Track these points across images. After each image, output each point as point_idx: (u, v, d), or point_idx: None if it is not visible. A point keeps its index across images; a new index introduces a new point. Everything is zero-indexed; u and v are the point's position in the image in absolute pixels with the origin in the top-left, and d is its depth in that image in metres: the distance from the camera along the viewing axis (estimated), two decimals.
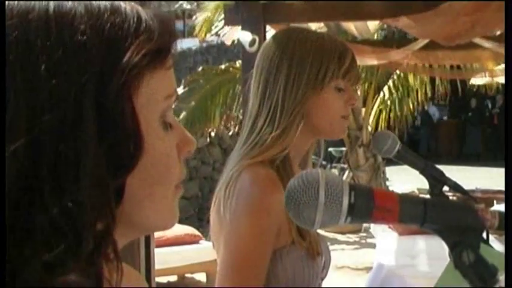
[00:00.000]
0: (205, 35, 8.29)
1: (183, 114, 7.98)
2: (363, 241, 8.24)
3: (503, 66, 5.96)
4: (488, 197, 6.47)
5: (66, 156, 0.56)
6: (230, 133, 9.55)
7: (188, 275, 6.42)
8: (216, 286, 1.34)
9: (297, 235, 1.35)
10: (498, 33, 4.56)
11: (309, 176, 0.75)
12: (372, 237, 7.17)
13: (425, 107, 16.61)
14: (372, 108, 9.18)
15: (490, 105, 17.23)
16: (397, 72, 8.40)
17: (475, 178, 9.43)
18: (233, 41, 5.86)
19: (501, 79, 6.94)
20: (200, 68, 9.40)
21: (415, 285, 1.19)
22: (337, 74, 1.43)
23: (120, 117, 0.59)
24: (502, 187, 1.07)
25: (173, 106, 0.67)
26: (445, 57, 5.88)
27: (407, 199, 0.78)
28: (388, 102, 9.05)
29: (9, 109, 0.56)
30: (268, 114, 1.42)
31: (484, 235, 0.80)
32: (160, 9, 0.65)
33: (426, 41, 5.09)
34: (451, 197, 2.25)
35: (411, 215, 0.77)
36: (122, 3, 0.62)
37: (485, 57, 5.86)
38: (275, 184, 1.34)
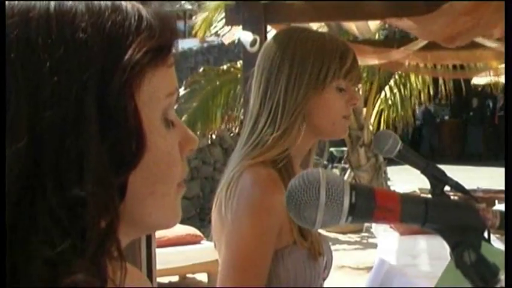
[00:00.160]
0: (204, 34, 8.29)
1: (184, 116, 7.98)
2: (364, 241, 8.24)
3: None
4: (489, 197, 6.48)
5: (69, 154, 0.56)
6: (231, 134, 9.55)
7: (189, 275, 6.43)
8: (217, 286, 1.35)
9: (298, 235, 1.35)
10: (498, 37, 4.55)
11: (309, 175, 0.75)
12: (374, 237, 7.17)
13: (428, 107, 16.64)
14: (373, 108, 9.18)
15: (491, 105, 17.21)
16: (399, 71, 8.40)
17: (477, 178, 9.42)
18: (233, 41, 5.86)
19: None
20: (201, 69, 9.40)
21: (417, 285, 1.19)
22: (339, 74, 1.42)
23: (122, 114, 0.59)
24: (504, 187, 1.07)
25: (175, 107, 0.67)
26: (447, 56, 5.88)
27: (408, 199, 0.78)
28: (390, 102, 9.05)
29: (11, 108, 0.56)
30: (269, 114, 1.42)
31: (486, 235, 0.80)
32: (162, 8, 0.65)
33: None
34: (452, 197, 2.25)
35: (412, 214, 0.77)
36: (122, 2, 0.62)
37: (489, 56, 5.85)
38: (276, 184, 1.34)
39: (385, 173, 9.46)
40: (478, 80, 8.72)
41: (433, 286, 1.24)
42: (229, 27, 5.14)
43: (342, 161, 10.82)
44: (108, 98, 0.58)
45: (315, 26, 5.00)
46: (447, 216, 0.78)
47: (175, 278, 6.39)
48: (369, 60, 5.61)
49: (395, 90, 9.01)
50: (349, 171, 9.13)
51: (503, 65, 6.47)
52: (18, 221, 0.55)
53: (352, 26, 5.53)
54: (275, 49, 1.44)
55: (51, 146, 0.56)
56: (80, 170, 0.56)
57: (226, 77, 8.50)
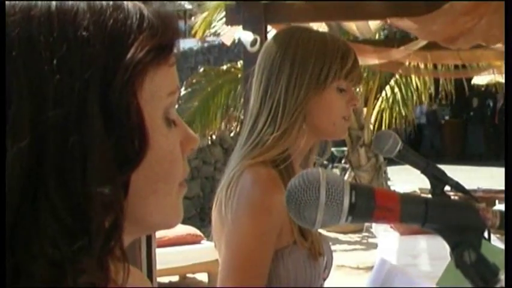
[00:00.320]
0: (203, 34, 8.28)
1: (184, 116, 7.98)
2: (365, 241, 8.23)
3: None
4: (490, 197, 6.47)
5: (72, 152, 0.56)
6: (232, 133, 9.55)
7: (190, 275, 6.43)
8: (217, 286, 1.34)
9: (298, 235, 1.35)
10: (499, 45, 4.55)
11: (309, 175, 0.75)
12: (374, 237, 7.17)
13: (433, 107, 16.64)
14: (374, 108, 9.18)
15: (491, 105, 17.21)
16: (400, 71, 8.40)
17: (477, 178, 9.42)
18: (233, 41, 5.85)
19: None
20: (201, 69, 9.40)
21: (418, 284, 1.19)
22: (340, 75, 1.42)
23: (125, 113, 0.59)
24: (504, 187, 1.07)
25: (175, 106, 0.67)
26: (448, 56, 5.87)
27: (408, 199, 0.78)
28: (390, 102, 9.04)
29: (12, 106, 0.55)
30: (269, 114, 1.42)
31: (486, 235, 0.80)
32: (163, 7, 0.65)
33: None
34: (452, 197, 2.25)
35: (412, 214, 0.77)
36: (124, 1, 0.62)
37: (490, 56, 5.84)
38: (276, 184, 1.34)
39: (386, 173, 9.46)
40: (479, 80, 8.72)
41: (433, 286, 1.24)
42: (229, 26, 5.13)
43: (342, 161, 10.82)
44: (110, 96, 0.58)
45: (315, 26, 4.99)
46: (447, 216, 0.78)
47: (175, 278, 6.39)
48: (369, 60, 5.61)
49: (396, 90, 9.01)
50: (349, 171, 9.13)
51: None
52: (21, 221, 0.55)
53: (353, 26, 5.53)
54: (276, 48, 1.44)
55: (54, 144, 0.56)
56: (83, 168, 0.56)
57: (226, 77, 8.50)
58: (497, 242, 2.89)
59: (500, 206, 5.76)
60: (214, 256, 1.30)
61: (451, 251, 0.77)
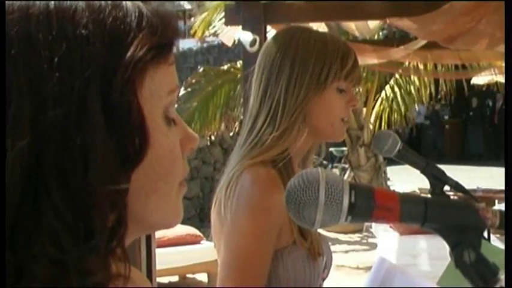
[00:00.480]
0: (203, 34, 8.28)
1: (184, 115, 7.98)
2: (364, 241, 8.24)
3: None
4: (489, 197, 6.48)
5: (74, 151, 0.56)
6: (231, 133, 9.56)
7: (189, 275, 6.43)
8: (217, 286, 1.34)
9: (298, 235, 1.35)
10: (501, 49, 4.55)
11: (309, 175, 0.75)
12: (374, 237, 7.17)
13: (436, 107, 16.65)
14: (373, 108, 9.18)
15: (491, 105, 17.21)
16: (399, 70, 8.40)
17: (477, 178, 9.42)
18: (233, 41, 5.85)
19: None
20: (201, 69, 9.39)
21: (418, 283, 1.19)
22: (340, 75, 1.42)
23: (126, 111, 0.59)
24: (504, 187, 1.06)
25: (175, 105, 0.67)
26: (448, 56, 5.87)
27: (408, 198, 0.78)
28: (390, 102, 9.05)
29: (12, 106, 0.55)
30: (269, 113, 1.41)
31: (485, 235, 0.80)
32: (163, 6, 0.65)
33: None
34: (452, 197, 2.25)
35: (412, 214, 0.77)
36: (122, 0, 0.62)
37: (490, 56, 5.84)
38: (276, 184, 1.34)
39: (385, 173, 9.46)
40: (478, 80, 8.71)
41: (433, 285, 1.24)
42: (229, 27, 5.13)
43: (342, 161, 10.82)
44: (111, 94, 0.58)
45: (314, 25, 4.99)
46: (447, 216, 0.78)
47: (175, 278, 6.39)
48: (368, 59, 5.61)
49: (396, 90, 9.01)
50: (349, 171, 9.13)
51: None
52: (21, 221, 0.55)
53: (352, 26, 5.53)
54: (276, 48, 1.44)
55: (55, 143, 0.55)
56: (85, 167, 0.56)
57: (226, 77, 8.50)
58: (497, 241, 2.89)
59: (499, 206, 5.77)
60: (214, 256, 1.31)
61: (450, 250, 0.77)
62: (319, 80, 1.41)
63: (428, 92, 8.87)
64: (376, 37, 7.67)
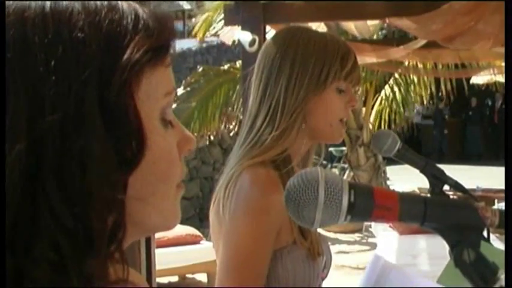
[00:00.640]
0: (204, 35, 8.28)
1: (183, 115, 7.98)
2: (364, 241, 8.24)
3: None
4: (489, 196, 6.48)
5: (72, 154, 0.56)
6: (231, 133, 9.56)
7: (189, 275, 6.43)
8: (216, 287, 1.34)
9: (298, 235, 1.35)
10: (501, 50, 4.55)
11: (308, 175, 0.75)
12: (373, 236, 7.17)
13: (439, 106, 16.65)
14: (373, 108, 9.18)
15: (490, 104, 17.22)
16: (399, 70, 8.40)
17: (476, 177, 9.42)
18: (233, 41, 5.85)
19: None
20: (200, 68, 9.39)
21: (413, 279, 1.19)
22: (339, 75, 1.42)
23: (123, 114, 0.59)
24: (503, 186, 1.06)
25: (173, 107, 0.67)
26: (448, 55, 5.87)
27: (407, 198, 0.78)
28: (390, 101, 9.05)
29: (9, 109, 0.55)
30: (268, 113, 1.41)
31: (485, 234, 0.80)
32: (160, 8, 0.65)
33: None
34: (451, 196, 2.25)
35: (411, 213, 0.77)
36: (118, 1, 0.61)
37: (490, 56, 5.85)
38: (275, 184, 1.33)
39: (385, 172, 9.46)
40: (477, 79, 8.71)
41: (430, 283, 1.24)
42: (229, 27, 5.13)
43: (341, 161, 10.82)
44: (108, 97, 0.58)
45: (313, 25, 5.00)
46: (446, 215, 0.78)
47: (175, 278, 6.39)
48: (367, 59, 5.61)
49: (396, 89, 9.01)
50: (348, 170, 9.14)
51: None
52: (21, 224, 0.54)
53: (351, 26, 5.53)
54: (276, 48, 1.44)
55: (53, 146, 0.55)
56: (83, 170, 0.56)
57: (225, 77, 8.49)
58: (496, 241, 2.89)
59: (499, 205, 5.77)
60: (213, 256, 1.30)
61: (450, 250, 0.77)
62: (319, 80, 1.41)
63: (428, 91, 8.86)
64: (375, 37, 7.67)
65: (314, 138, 1.47)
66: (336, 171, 9.66)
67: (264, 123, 1.41)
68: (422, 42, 5.15)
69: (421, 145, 16.55)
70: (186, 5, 18.79)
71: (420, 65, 7.05)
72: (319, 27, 5.15)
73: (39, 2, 0.58)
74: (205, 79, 8.66)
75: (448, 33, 4.30)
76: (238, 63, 8.34)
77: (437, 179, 1.62)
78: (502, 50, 4.65)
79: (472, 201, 1.50)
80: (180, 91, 8.57)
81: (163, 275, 5.64)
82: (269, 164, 1.37)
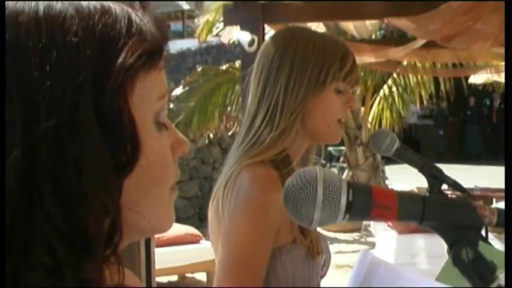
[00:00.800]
0: (206, 36, 8.28)
1: (182, 115, 7.98)
2: (363, 240, 8.24)
3: None
4: (487, 195, 6.49)
5: (66, 159, 0.56)
6: (230, 133, 9.55)
7: (189, 275, 6.43)
8: (214, 286, 1.34)
9: (299, 233, 1.35)
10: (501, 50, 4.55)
11: (307, 173, 0.75)
12: (372, 236, 7.17)
13: (441, 106, 16.64)
14: (371, 107, 9.18)
15: (488, 103, 17.22)
16: (397, 70, 8.40)
17: (475, 177, 9.43)
18: (233, 42, 5.85)
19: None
20: (199, 68, 9.39)
21: (400, 274, 1.19)
22: (338, 76, 1.42)
23: (117, 118, 0.59)
24: (503, 186, 1.07)
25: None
26: (446, 55, 5.87)
27: (405, 197, 0.78)
28: (389, 101, 9.04)
29: (6, 113, 0.55)
30: (267, 113, 1.42)
31: (483, 233, 0.80)
32: (153, 11, 0.65)
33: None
34: (450, 195, 2.25)
35: (410, 212, 0.78)
36: (111, 4, 0.61)
37: (488, 56, 5.85)
38: (274, 183, 1.34)
39: (383, 172, 9.47)
40: (475, 79, 8.71)
41: (416, 275, 1.24)
42: (229, 27, 5.13)
43: (340, 160, 10.82)
44: (102, 101, 0.57)
45: (312, 25, 5.00)
46: (444, 214, 0.78)
47: (174, 278, 6.39)
48: (366, 58, 5.61)
49: (394, 89, 9.01)
50: (347, 170, 9.14)
51: (503, 63, 6.46)
52: (17, 229, 0.54)
53: (350, 26, 5.54)
54: (275, 48, 1.44)
55: (48, 151, 0.55)
56: (79, 175, 0.56)
57: (224, 77, 8.49)
58: (495, 240, 2.90)
59: (497, 205, 5.77)
60: (213, 256, 1.30)
61: (448, 248, 0.78)
62: (318, 80, 1.41)
63: (428, 91, 8.86)
64: (374, 37, 7.67)
65: (312, 138, 1.47)
66: (334, 170, 9.65)
67: (263, 123, 1.41)
68: (421, 42, 5.16)
69: (419, 144, 16.54)
70: (185, 5, 18.78)
71: (419, 65, 7.05)
72: (318, 27, 5.15)
73: (33, 6, 0.58)
74: (204, 79, 8.65)
75: (447, 33, 4.30)
76: (238, 63, 8.34)
77: (435, 178, 1.63)
78: (500, 50, 4.66)
79: (471, 200, 1.51)
80: (179, 91, 8.58)
81: (162, 274, 5.64)
82: (268, 164, 1.38)
